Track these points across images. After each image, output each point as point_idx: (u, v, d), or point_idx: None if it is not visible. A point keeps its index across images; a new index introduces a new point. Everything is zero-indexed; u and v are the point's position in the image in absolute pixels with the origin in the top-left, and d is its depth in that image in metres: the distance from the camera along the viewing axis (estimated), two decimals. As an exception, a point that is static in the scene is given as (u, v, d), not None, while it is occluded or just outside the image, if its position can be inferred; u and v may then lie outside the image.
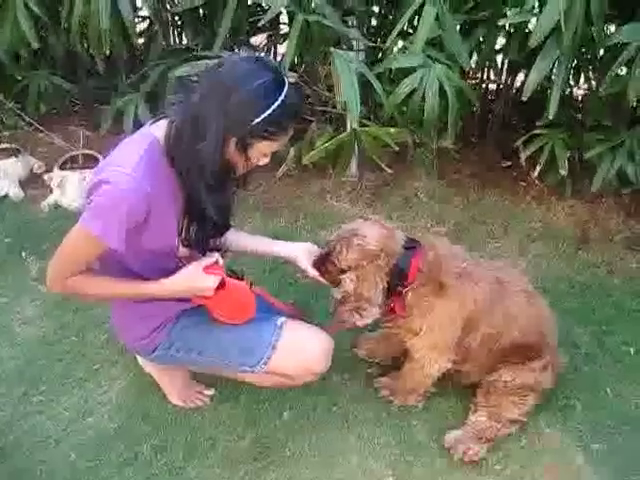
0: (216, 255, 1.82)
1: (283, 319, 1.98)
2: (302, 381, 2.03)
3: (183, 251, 1.82)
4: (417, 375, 2.18)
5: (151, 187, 1.57)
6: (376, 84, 2.89)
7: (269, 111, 1.53)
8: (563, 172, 3.12)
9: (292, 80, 3.20)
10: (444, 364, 2.11)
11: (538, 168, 3.23)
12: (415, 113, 2.91)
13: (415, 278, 1.98)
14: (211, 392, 2.27)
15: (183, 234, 1.77)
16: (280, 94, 1.54)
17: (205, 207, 1.67)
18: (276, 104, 1.53)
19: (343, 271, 1.99)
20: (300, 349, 1.95)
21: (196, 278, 1.76)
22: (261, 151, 1.63)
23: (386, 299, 2.01)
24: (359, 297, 1.98)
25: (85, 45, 3.50)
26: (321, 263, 2.06)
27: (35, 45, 3.26)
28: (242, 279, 1.85)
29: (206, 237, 1.82)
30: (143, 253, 1.73)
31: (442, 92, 2.82)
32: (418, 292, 2.00)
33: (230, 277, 1.82)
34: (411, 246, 2.02)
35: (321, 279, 2.07)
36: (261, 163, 1.70)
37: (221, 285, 1.78)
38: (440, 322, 2.03)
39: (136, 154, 1.59)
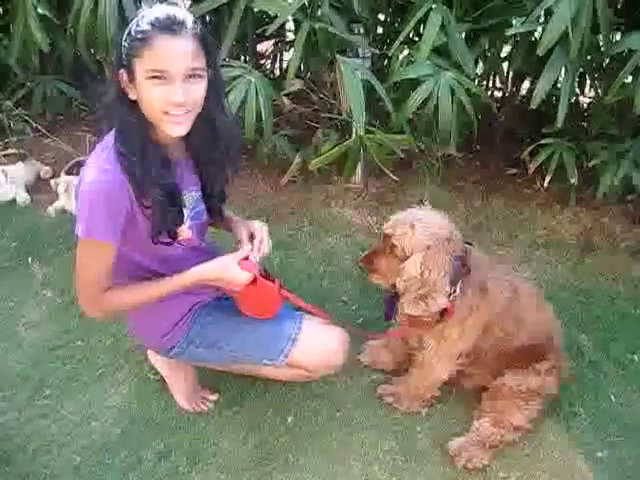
0: (247, 249, 1.82)
1: (302, 313, 2.01)
2: (319, 375, 2.06)
3: (184, 232, 1.80)
4: (425, 380, 2.18)
5: (122, 174, 1.59)
6: (384, 94, 2.90)
7: (131, 25, 1.51)
8: (573, 180, 3.13)
9: (298, 87, 3.25)
10: (453, 368, 2.12)
11: (548, 177, 3.23)
12: (428, 122, 2.92)
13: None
14: (215, 397, 2.27)
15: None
16: (147, 11, 1.52)
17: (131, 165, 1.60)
18: (138, 18, 1.52)
19: (407, 258, 1.90)
20: (319, 342, 1.98)
21: (230, 270, 1.76)
22: (141, 73, 1.51)
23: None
24: (425, 283, 1.87)
25: (92, 51, 3.52)
26: (373, 257, 2.01)
27: (45, 49, 3.28)
28: (274, 281, 1.86)
29: (159, 218, 1.69)
30: (144, 244, 1.74)
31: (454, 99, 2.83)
32: (467, 293, 1.95)
33: (263, 277, 1.82)
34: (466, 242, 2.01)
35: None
36: (167, 98, 1.53)
37: (252, 282, 1.79)
38: (470, 328, 2.01)
39: (107, 149, 1.61)
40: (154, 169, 1.62)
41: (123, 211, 1.61)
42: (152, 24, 1.49)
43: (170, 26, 1.49)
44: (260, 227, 1.92)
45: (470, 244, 2.05)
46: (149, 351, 2.30)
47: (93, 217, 1.58)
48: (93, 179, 1.56)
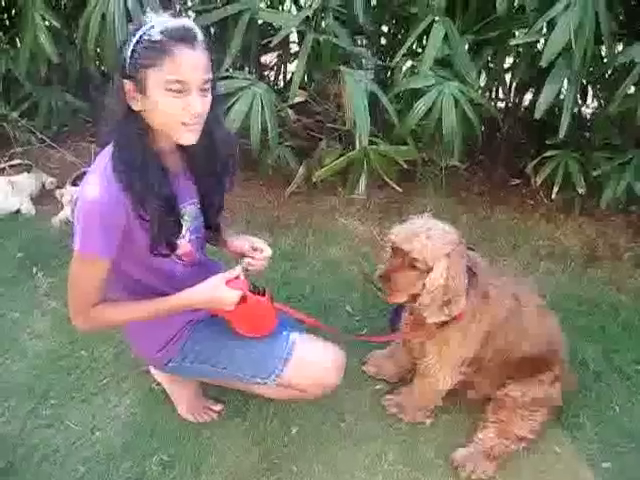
0: (238, 269, 1.81)
1: (296, 333, 1.98)
2: (314, 395, 2.01)
3: (183, 246, 1.80)
4: (429, 391, 2.18)
5: (117, 190, 1.57)
6: (388, 105, 2.91)
7: (140, 33, 1.49)
8: (581, 190, 3.16)
9: (302, 98, 3.26)
10: (456, 378, 2.11)
11: (556, 188, 3.24)
12: (431, 132, 2.92)
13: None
14: (219, 407, 2.27)
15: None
16: (151, 21, 1.51)
17: (136, 184, 1.59)
18: (145, 28, 1.50)
19: (430, 269, 1.89)
20: (312, 362, 1.94)
21: (219, 291, 1.75)
22: (157, 84, 1.51)
23: None
24: (449, 290, 1.87)
25: (97, 63, 3.55)
26: (389, 275, 1.96)
27: (55, 60, 3.31)
28: (264, 294, 1.84)
29: (159, 231, 1.68)
30: (142, 260, 1.74)
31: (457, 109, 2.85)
32: (470, 298, 1.95)
33: (252, 292, 1.80)
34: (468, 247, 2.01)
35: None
36: (187, 109, 1.56)
37: (242, 300, 1.77)
38: (473, 333, 2.00)
39: (102, 165, 1.60)
40: (153, 179, 1.62)
41: (119, 227, 1.61)
42: (168, 34, 1.49)
43: (188, 37, 1.50)
44: (262, 242, 1.93)
45: (472, 249, 2.05)
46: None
47: (88, 233, 1.58)
48: (89, 196, 1.56)
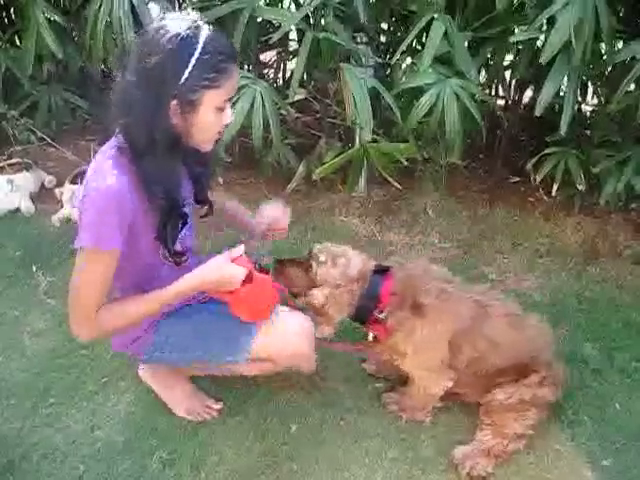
0: (242, 248, 1.79)
1: None
2: (285, 365, 2.03)
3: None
4: (422, 394, 2.18)
5: (128, 184, 1.56)
6: (392, 102, 2.90)
7: (195, 56, 1.47)
8: (581, 186, 3.15)
9: (301, 96, 3.25)
10: (445, 383, 2.12)
11: (556, 186, 3.24)
12: (433, 129, 2.92)
13: (389, 301, 2.03)
14: (219, 406, 2.27)
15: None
16: (198, 39, 1.48)
17: (153, 189, 1.60)
18: (199, 48, 1.47)
19: (314, 285, 2.03)
20: (281, 332, 1.95)
21: (226, 268, 1.73)
22: (212, 103, 1.55)
23: (364, 326, 2.13)
24: (321, 314, 2.03)
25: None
26: (287, 268, 2.11)
27: (60, 56, 3.31)
28: (267, 273, 1.85)
29: (167, 230, 1.70)
30: (136, 257, 1.73)
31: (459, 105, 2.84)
32: (397, 315, 2.03)
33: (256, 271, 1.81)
34: (381, 270, 2.08)
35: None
36: (225, 122, 1.63)
37: (248, 280, 1.76)
38: (424, 342, 2.03)
39: (108, 159, 1.58)
40: (179, 193, 1.67)
41: (129, 219, 1.58)
42: (226, 55, 1.52)
43: (235, 53, 1.56)
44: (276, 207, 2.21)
45: (388, 268, 2.11)
46: (139, 369, 2.30)
47: (102, 225, 1.54)
48: (102, 186, 1.52)
